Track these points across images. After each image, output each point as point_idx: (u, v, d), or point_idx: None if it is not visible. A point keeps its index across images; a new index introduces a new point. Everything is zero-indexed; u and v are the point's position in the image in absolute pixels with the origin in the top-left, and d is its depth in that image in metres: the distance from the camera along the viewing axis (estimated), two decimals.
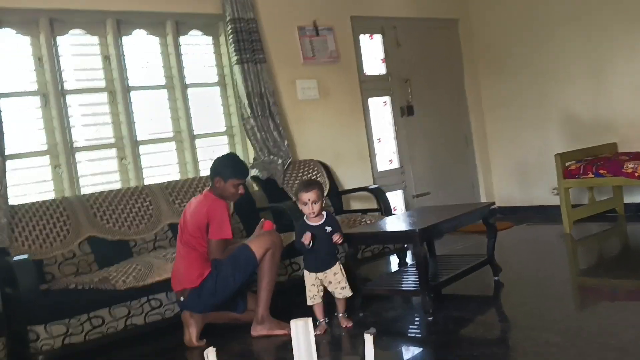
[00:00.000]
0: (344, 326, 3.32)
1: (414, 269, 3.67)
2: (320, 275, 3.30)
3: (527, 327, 3.05)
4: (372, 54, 6.06)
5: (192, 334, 3.31)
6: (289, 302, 4.05)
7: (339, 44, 5.56)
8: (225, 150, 4.92)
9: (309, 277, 3.33)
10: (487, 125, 6.73)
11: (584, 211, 5.43)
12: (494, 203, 4.48)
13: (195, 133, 4.69)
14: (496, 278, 3.93)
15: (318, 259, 3.31)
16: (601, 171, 5.06)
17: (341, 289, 3.33)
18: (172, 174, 4.56)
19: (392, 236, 3.77)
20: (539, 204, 6.25)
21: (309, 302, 3.33)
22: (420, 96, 6.27)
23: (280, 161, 4.83)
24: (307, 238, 3.21)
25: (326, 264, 3.32)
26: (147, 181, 4.36)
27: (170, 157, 4.63)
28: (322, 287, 3.33)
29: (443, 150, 6.48)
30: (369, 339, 1.65)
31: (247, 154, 4.94)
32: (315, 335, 2.91)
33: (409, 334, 3.35)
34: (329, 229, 3.30)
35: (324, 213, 3.35)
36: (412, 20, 6.25)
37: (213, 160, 3.48)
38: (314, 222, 3.31)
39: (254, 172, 4.80)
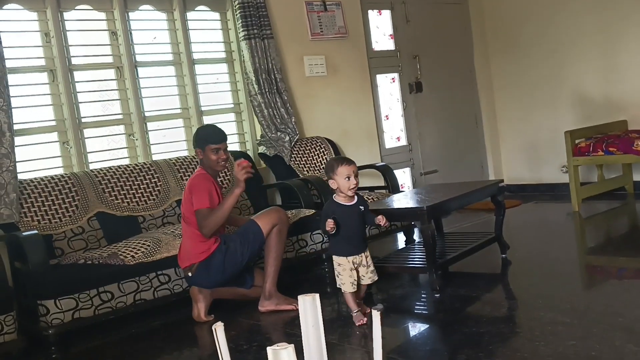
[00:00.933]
0: (367, 311, 3.12)
1: (421, 246, 3.67)
2: (357, 259, 3.08)
3: (534, 305, 3.05)
4: (381, 29, 6.00)
5: (200, 309, 3.34)
6: (296, 279, 4.09)
7: (347, 20, 5.50)
8: (232, 127, 4.91)
9: (346, 263, 3.07)
10: (497, 103, 6.68)
11: (593, 189, 5.40)
12: (502, 180, 4.46)
13: (202, 109, 4.68)
14: (504, 256, 3.93)
15: (352, 242, 3.08)
16: (611, 149, 5.03)
17: (371, 273, 3.15)
18: (179, 150, 4.56)
19: (400, 213, 3.76)
20: (548, 182, 6.22)
21: (351, 289, 3.06)
22: (429, 73, 6.22)
23: (287, 138, 4.81)
24: (330, 224, 2.96)
25: (363, 247, 3.12)
26: (155, 157, 4.36)
27: (178, 134, 4.62)
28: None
29: (452, 128, 6.43)
30: (376, 315, 1.64)
31: (255, 130, 4.92)
32: (360, 326, 2.93)
33: (415, 311, 3.36)
34: (362, 208, 3.10)
35: (356, 194, 3.12)
36: None
37: None
38: (348, 202, 3.06)
39: (261, 149, 4.79)
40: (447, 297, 3.36)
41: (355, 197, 3.09)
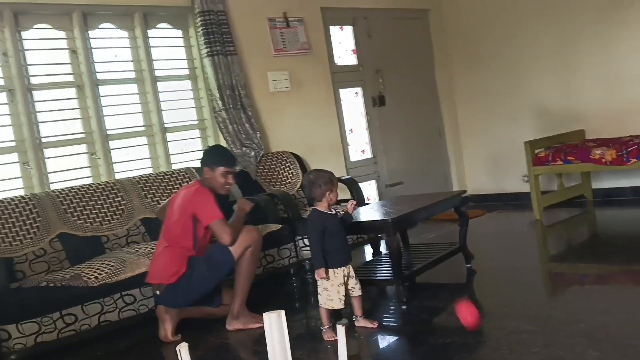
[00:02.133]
0: (372, 326, 3.11)
1: (388, 258, 3.70)
2: (346, 270, 3.07)
3: (499, 315, 3.10)
4: (343, 45, 6.07)
5: (167, 329, 3.30)
6: (265, 294, 4.07)
7: (310, 35, 5.55)
8: (197, 143, 4.90)
9: (339, 275, 3.05)
10: (459, 116, 6.79)
11: (554, 198, 5.53)
12: (465, 191, 4.54)
13: (166, 126, 4.65)
14: (468, 265, 3.99)
15: (343, 250, 3.09)
16: (569, 158, 5.16)
17: (358, 285, 3.14)
18: (143, 168, 4.52)
19: (366, 226, 3.80)
20: (510, 192, 6.34)
21: (339, 305, 3.03)
22: (392, 87, 6.30)
23: (252, 153, 4.82)
24: (321, 274, 2.99)
25: (349, 256, 3.13)
26: (119, 176, 4.31)
27: (142, 152, 4.58)
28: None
29: (415, 140, 6.52)
30: (341, 330, 1.66)
31: None
32: (330, 343, 2.93)
33: (384, 323, 3.38)
34: (339, 214, 3.21)
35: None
36: (382, 11, 6.27)
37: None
38: (330, 211, 3.12)
39: None
40: (414, 308, 3.39)
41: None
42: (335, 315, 3.16)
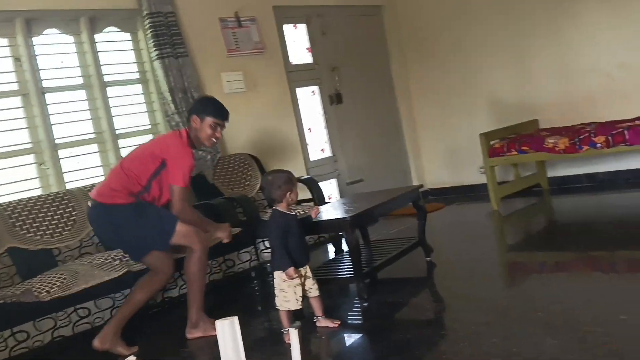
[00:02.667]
0: (334, 325, 3.08)
1: (349, 256, 3.69)
2: (302, 270, 3.05)
3: (458, 307, 3.12)
4: (298, 43, 6.03)
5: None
6: (225, 299, 4.01)
7: (263, 35, 5.49)
8: None
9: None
10: (416, 111, 6.83)
11: (510, 188, 5.60)
12: (422, 186, 4.55)
13: (117, 133, 4.54)
14: (428, 259, 4.00)
15: (300, 251, 3.06)
16: (524, 148, 5.23)
17: (316, 285, 3.11)
18: (96, 176, 4.40)
19: (324, 225, 3.77)
20: (468, 184, 6.40)
21: (296, 306, 3.01)
22: (348, 84, 6.29)
23: (209, 157, 4.74)
24: (290, 273, 2.95)
25: (307, 256, 3.12)
26: (70, 186, 4.19)
27: (93, 160, 4.46)
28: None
29: (374, 137, 6.53)
30: (293, 333, 1.63)
31: None
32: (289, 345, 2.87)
33: (346, 321, 3.36)
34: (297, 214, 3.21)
35: None
36: (336, 8, 6.25)
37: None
38: (290, 212, 3.11)
39: None
40: (376, 304, 3.39)
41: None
42: (300, 317, 3.13)
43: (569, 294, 3.04)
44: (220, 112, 3.33)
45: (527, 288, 3.39)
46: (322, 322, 3.12)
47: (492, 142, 5.43)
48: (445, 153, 6.64)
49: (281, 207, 3.08)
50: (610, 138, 4.79)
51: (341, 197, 6.02)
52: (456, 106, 6.46)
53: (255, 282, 4.20)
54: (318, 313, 3.14)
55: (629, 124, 4.87)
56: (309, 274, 3.11)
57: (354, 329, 3.21)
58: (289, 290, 3.00)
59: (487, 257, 4.07)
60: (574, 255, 3.81)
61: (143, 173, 3.26)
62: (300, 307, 3.04)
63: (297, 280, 3.01)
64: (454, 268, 3.92)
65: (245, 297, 4.09)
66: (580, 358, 2.26)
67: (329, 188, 6.04)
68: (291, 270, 2.95)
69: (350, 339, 3.07)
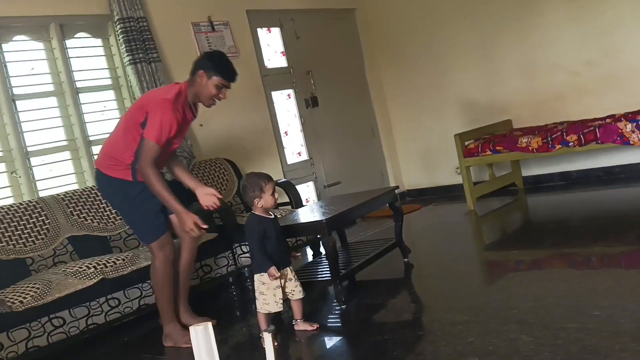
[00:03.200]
0: (312, 328, 3.07)
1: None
2: (283, 272, 3.02)
3: (435, 307, 3.14)
4: (272, 47, 6.02)
5: None
6: (203, 305, 3.98)
7: (237, 39, 5.48)
8: None
9: (271, 280, 2.99)
10: (391, 113, 6.86)
11: (486, 187, 5.65)
12: (398, 187, 4.57)
13: (90, 139, 4.49)
14: (406, 260, 4.02)
15: (279, 253, 3.04)
16: (498, 148, 5.28)
17: (300, 286, 3.10)
18: (69, 184, 4.34)
19: (301, 228, 3.77)
20: (445, 184, 6.45)
21: (276, 309, 2.99)
22: (323, 87, 6.30)
23: (184, 162, 4.71)
24: (273, 272, 2.92)
25: (287, 260, 3.11)
26: (42, 194, 4.13)
27: (66, 167, 4.41)
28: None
29: (350, 139, 6.54)
30: (267, 337, 1.62)
31: None
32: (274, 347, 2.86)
33: (324, 324, 3.35)
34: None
35: None
36: (309, 12, 6.26)
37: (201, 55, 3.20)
38: (268, 216, 3.06)
39: None
40: (354, 307, 3.39)
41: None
42: (278, 321, 3.12)
43: (544, 291, 3.08)
44: (230, 74, 3.11)
45: (503, 286, 3.41)
46: (301, 326, 3.11)
47: (466, 143, 5.47)
48: (421, 154, 6.69)
49: (258, 211, 3.07)
50: (582, 136, 4.87)
51: (318, 200, 6.02)
52: (429, 107, 6.51)
53: (233, 287, 4.18)
54: (297, 316, 3.13)
55: (600, 122, 4.95)
56: (291, 275, 3.09)
57: (332, 331, 3.21)
58: (268, 293, 2.99)
59: (464, 257, 4.10)
60: (549, 253, 3.86)
61: (131, 142, 3.09)
62: (280, 309, 3.03)
63: (277, 283, 2.99)
64: (431, 268, 3.94)
65: (224, 302, 4.07)
66: (555, 354, 2.28)
67: (307, 191, 6.04)
68: (272, 269, 2.93)
69: (329, 341, 3.06)
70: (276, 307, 3.01)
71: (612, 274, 3.27)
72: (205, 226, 3.16)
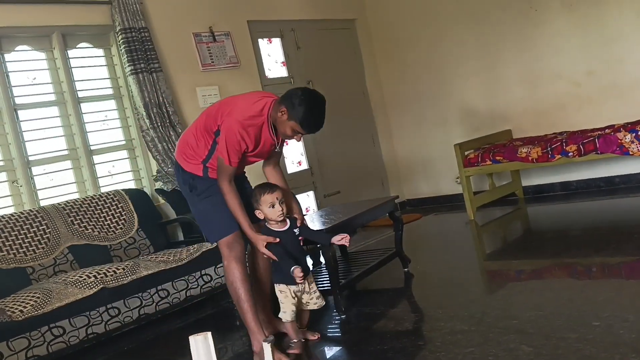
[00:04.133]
0: (313, 338, 3.08)
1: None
2: (299, 287, 2.96)
3: (435, 316, 3.13)
4: (273, 57, 6.05)
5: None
6: (203, 315, 3.98)
7: (238, 49, 5.51)
8: (125, 164, 4.76)
9: (287, 291, 2.96)
10: (392, 122, 6.88)
11: (486, 197, 5.66)
12: (397, 197, 4.58)
13: (92, 149, 4.51)
14: (406, 270, 4.02)
15: (294, 264, 2.90)
16: (498, 157, 5.29)
17: (317, 299, 3.04)
18: (69, 193, 4.35)
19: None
20: (445, 194, 6.45)
21: (289, 318, 2.98)
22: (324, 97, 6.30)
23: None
24: (298, 273, 2.82)
25: (306, 272, 2.95)
26: (43, 203, 4.14)
27: (67, 176, 4.42)
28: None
29: (350, 148, 6.55)
30: (267, 347, 1.62)
31: (150, 166, 4.79)
32: (293, 355, 2.87)
33: (324, 333, 3.35)
34: (297, 231, 2.99)
35: (287, 218, 2.99)
36: (309, 22, 6.29)
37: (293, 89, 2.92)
38: (281, 228, 2.94)
39: (158, 185, 4.67)
40: (354, 316, 3.39)
41: (288, 221, 2.98)
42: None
43: (544, 300, 3.07)
44: (311, 127, 2.87)
45: (503, 296, 3.41)
46: (302, 335, 3.09)
47: (466, 153, 5.48)
48: (421, 163, 6.70)
49: (270, 225, 2.96)
50: (581, 147, 4.88)
51: (319, 209, 6.03)
52: (430, 117, 6.53)
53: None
54: (300, 325, 3.10)
55: (599, 132, 4.97)
56: (308, 288, 3.01)
57: (332, 341, 3.20)
58: (285, 302, 2.98)
59: (464, 266, 4.10)
60: (549, 263, 3.86)
61: (203, 147, 2.97)
62: (292, 320, 2.99)
63: (291, 294, 2.96)
64: (431, 278, 3.94)
65: (223, 312, 4.06)
66: None
67: (307, 200, 6.04)
68: (297, 270, 2.82)
69: (329, 351, 3.06)
70: (289, 317, 2.99)
71: (612, 285, 3.27)
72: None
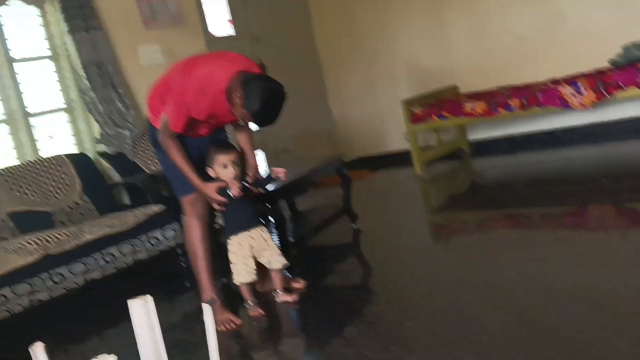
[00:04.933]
0: (291, 300, 2.97)
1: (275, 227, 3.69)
2: (253, 236, 2.89)
3: (382, 269, 3.20)
4: (219, 14, 5.90)
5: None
6: (151, 278, 3.95)
7: (181, 6, 5.33)
8: (66, 127, 4.61)
9: (238, 247, 2.88)
10: (341, 80, 6.84)
11: (433, 153, 5.73)
12: (345, 154, 4.61)
13: (29, 112, 4.34)
14: (354, 226, 4.06)
15: (242, 215, 2.91)
16: (444, 113, 5.35)
17: (278, 256, 2.96)
18: (8, 159, 4.20)
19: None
20: (393, 150, 6.50)
21: (247, 279, 2.88)
22: (271, 55, 6.21)
23: (128, 133, 4.61)
24: (235, 189, 2.74)
25: (254, 221, 2.94)
26: None
27: (5, 141, 4.26)
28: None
29: (300, 107, 6.48)
30: (207, 310, 1.61)
31: (91, 129, 4.65)
32: (256, 317, 2.82)
33: (274, 293, 3.38)
34: (245, 184, 2.93)
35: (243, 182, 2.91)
36: None
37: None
38: (237, 194, 2.84)
39: (101, 147, 4.55)
40: (302, 274, 3.41)
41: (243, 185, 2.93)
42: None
43: (487, 251, 3.17)
44: (260, 122, 2.76)
45: (448, 248, 3.50)
46: (281, 297, 3.01)
47: (414, 109, 5.51)
48: (370, 120, 6.71)
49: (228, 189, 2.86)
50: (524, 100, 4.96)
51: (268, 168, 6.00)
52: (379, 73, 6.51)
53: (182, 258, 4.16)
54: (276, 286, 3.02)
55: (542, 86, 5.05)
56: (264, 244, 2.94)
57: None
58: (237, 262, 2.90)
59: (411, 221, 4.17)
60: (493, 214, 3.96)
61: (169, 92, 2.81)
62: (254, 279, 2.92)
63: (246, 251, 2.89)
64: (379, 233, 4.00)
65: (172, 274, 4.05)
66: (494, 311, 2.36)
67: (257, 160, 5.99)
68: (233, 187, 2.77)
69: (276, 307, 3.09)
70: (248, 277, 2.90)
71: (552, 234, 3.38)
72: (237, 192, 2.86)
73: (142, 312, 1.81)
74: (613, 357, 1.87)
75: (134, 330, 1.81)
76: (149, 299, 1.86)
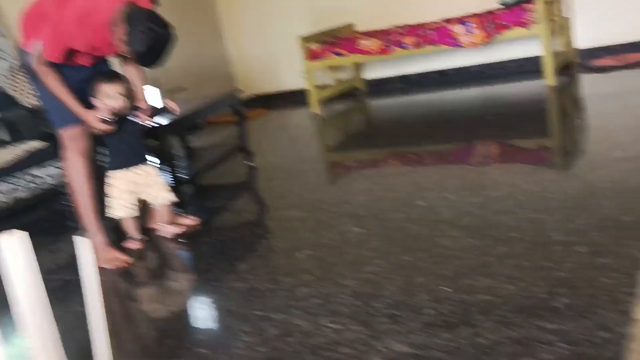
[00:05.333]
0: (193, 222, 2.96)
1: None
2: (137, 172, 2.82)
3: (274, 206, 3.21)
4: None
5: None
6: (37, 218, 3.76)
7: None
8: None
9: (124, 177, 2.81)
10: (237, 15, 6.62)
11: (329, 91, 5.74)
12: (238, 90, 4.50)
13: None
14: (249, 163, 4.03)
15: (127, 151, 2.81)
16: (340, 51, 5.34)
17: (165, 192, 2.91)
18: None
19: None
20: (290, 89, 6.44)
21: (123, 213, 2.82)
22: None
23: (6, 65, 4.25)
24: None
25: (140, 158, 2.86)
26: None
27: None
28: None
29: (194, 43, 6.26)
30: (82, 244, 1.55)
31: None
32: (132, 250, 2.72)
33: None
34: (136, 120, 2.86)
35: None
36: None
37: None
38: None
39: None
40: (195, 211, 3.35)
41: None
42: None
43: (376, 186, 3.25)
44: (144, 62, 2.63)
45: (340, 184, 3.56)
46: (165, 229, 2.96)
47: (311, 46, 5.46)
48: (267, 58, 6.58)
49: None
50: (418, 39, 5.04)
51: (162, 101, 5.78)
52: (274, 9, 6.36)
53: (64, 197, 3.96)
54: (163, 221, 2.96)
55: (436, 25, 5.15)
56: (151, 180, 2.87)
57: (175, 236, 3.17)
58: (114, 196, 2.82)
59: (306, 159, 4.19)
60: (385, 152, 4.05)
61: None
62: (126, 215, 2.86)
63: (124, 187, 2.82)
64: (274, 171, 3.99)
65: (55, 214, 3.86)
66: (382, 242, 2.44)
67: (151, 98, 5.75)
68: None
69: (167, 245, 3.03)
70: (123, 212, 2.84)
71: (438, 170, 3.50)
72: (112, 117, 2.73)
73: (20, 249, 1.71)
74: (493, 277, 1.99)
75: (9, 267, 1.70)
76: (24, 235, 1.75)
